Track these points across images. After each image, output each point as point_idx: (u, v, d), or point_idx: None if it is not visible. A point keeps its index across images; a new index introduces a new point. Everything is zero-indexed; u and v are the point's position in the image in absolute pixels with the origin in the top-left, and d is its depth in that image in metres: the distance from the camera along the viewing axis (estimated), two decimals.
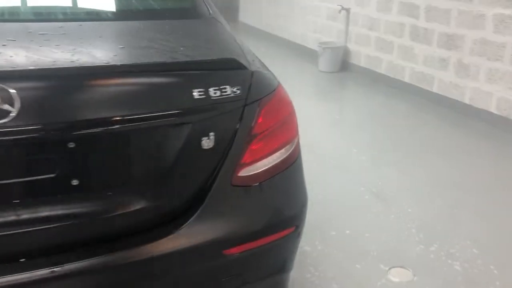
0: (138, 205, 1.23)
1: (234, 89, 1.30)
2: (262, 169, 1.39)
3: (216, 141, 1.28)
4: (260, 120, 1.37)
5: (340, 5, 5.94)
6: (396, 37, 5.23)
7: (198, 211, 1.28)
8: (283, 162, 1.45)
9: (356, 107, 4.80)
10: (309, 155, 3.42)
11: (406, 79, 5.16)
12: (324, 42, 6.16)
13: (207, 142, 1.27)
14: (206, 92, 1.25)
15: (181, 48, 1.39)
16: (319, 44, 6.05)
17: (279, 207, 1.45)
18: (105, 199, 1.21)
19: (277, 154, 1.44)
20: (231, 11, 9.58)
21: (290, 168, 1.48)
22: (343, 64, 6.04)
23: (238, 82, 1.32)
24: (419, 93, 4.95)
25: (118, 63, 1.19)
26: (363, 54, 5.82)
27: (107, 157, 1.19)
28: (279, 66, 6.26)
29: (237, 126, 1.32)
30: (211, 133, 1.27)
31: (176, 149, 1.24)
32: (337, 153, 3.58)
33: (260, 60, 1.57)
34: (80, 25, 1.44)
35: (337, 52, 5.96)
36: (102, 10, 1.58)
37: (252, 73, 1.38)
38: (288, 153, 1.47)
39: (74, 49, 1.24)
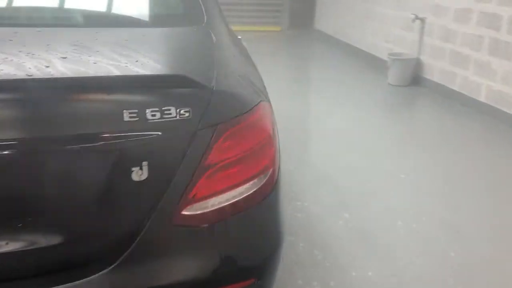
0: (51, 242, 1.07)
1: (182, 111, 1.10)
2: (217, 207, 1.17)
3: (152, 172, 1.09)
4: (218, 147, 1.16)
5: (414, 14, 5.47)
6: (473, 51, 4.68)
7: (125, 254, 1.09)
8: (247, 199, 1.22)
9: (424, 126, 4.34)
10: (367, 174, 3.16)
11: (482, 98, 4.59)
12: (394, 53, 5.72)
13: (138, 173, 1.07)
14: (141, 114, 1.06)
15: (135, 61, 1.21)
16: (389, 55, 5.63)
17: (234, 254, 1.21)
18: (14, 232, 1.06)
19: (240, 189, 1.21)
20: (307, 19, 9.35)
21: (258, 206, 1.24)
22: (414, 78, 5.56)
23: (189, 103, 1.11)
24: (496, 115, 4.38)
25: (38, 75, 1.03)
26: (436, 68, 5.30)
27: (13, 183, 1.04)
28: (347, 76, 5.93)
29: (183, 155, 1.11)
30: (144, 163, 1.08)
31: (99, 179, 1.06)
32: (396, 176, 3.22)
33: (252, 81, 1.34)
34: (39, 31, 1.32)
35: (408, 65, 5.50)
36: (69, 15, 1.46)
37: (212, 92, 1.16)
38: (255, 189, 1.23)
39: (6, 58, 1.11)
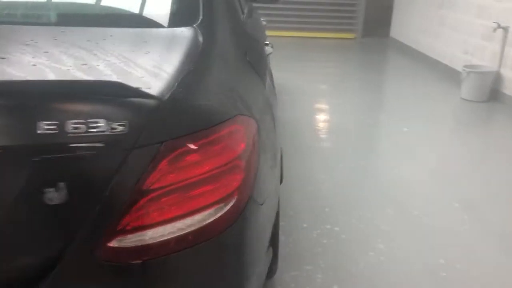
0: None
1: (114, 125, 0.92)
2: (157, 240, 0.98)
3: (70, 195, 0.92)
4: (161, 169, 0.97)
5: (497, 23, 4.92)
6: None
7: None
8: (197, 233, 1.01)
9: (501, 150, 3.84)
10: (429, 207, 2.82)
11: None
12: (470, 65, 5.18)
13: (52, 196, 0.91)
14: (61, 126, 0.89)
15: (82, 65, 1.05)
16: (464, 67, 5.10)
17: None
18: None
19: (189, 220, 1.01)
20: (383, 26, 8.88)
21: (213, 242, 1.04)
22: (493, 93, 4.99)
23: (125, 116, 0.93)
24: None
25: None
26: None
27: None
28: (418, 88, 5.47)
29: (113, 176, 0.93)
30: (61, 184, 0.91)
31: (6, 199, 0.91)
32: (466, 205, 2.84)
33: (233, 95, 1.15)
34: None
35: (485, 78, 4.94)
36: (39, 12, 1.34)
37: (161, 104, 0.97)
38: (209, 220, 1.02)
39: None
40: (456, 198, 2.89)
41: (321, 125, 4.21)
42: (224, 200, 1.04)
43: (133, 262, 0.96)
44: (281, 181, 1.88)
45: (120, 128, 0.92)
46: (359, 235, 2.46)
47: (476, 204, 2.83)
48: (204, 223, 1.02)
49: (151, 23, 1.35)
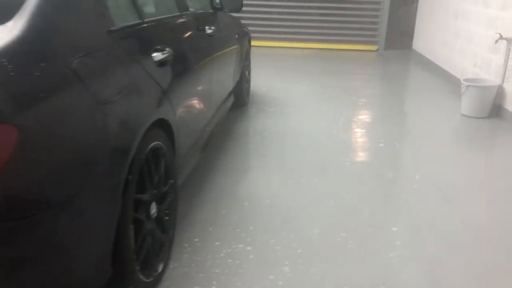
0: None
1: None
2: None
3: None
4: None
5: (499, 33, 4.55)
6: None
7: None
8: None
9: (503, 171, 3.51)
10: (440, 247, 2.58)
11: None
12: (470, 79, 4.83)
13: None
14: None
15: None
16: (463, 80, 4.76)
17: None
18: None
19: None
20: (406, 38, 8.54)
21: None
22: (495, 109, 4.61)
23: None
24: None
25: None
26: None
27: None
28: (423, 103, 5.15)
29: None
30: None
31: None
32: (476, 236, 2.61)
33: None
34: None
35: (486, 93, 4.58)
36: None
37: None
38: None
39: None
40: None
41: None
42: None
43: None
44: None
45: None
46: None
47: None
48: None
49: None
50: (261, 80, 5.87)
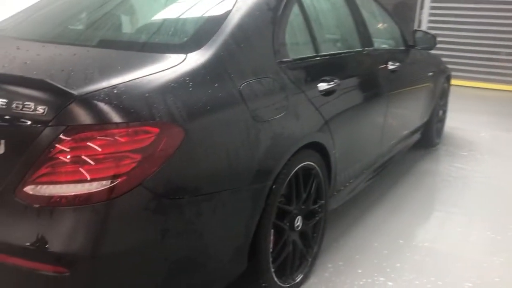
0: None
1: (39, 108, 1.40)
2: (48, 194, 1.40)
3: (7, 148, 1.42)
4: (63, 144, 1.39)
5: None
6: None
7: None
8: (83, 197, 1.38)
9: None
10: None
11: None
12: None
13: None
14: (9, 103, 1.41)
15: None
16: None
17: (48, 237, 1.39)
18: None
19: (79, 186, 1.39)
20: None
21: (91, 209, 1.39)
22: None
23: (46, 103, 1.40)
24: None
25: None
26: None
27: None
28: None
29: (32, 142, 1.40)
30: (2, 140, 1.42)
31: None
32: None
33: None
34: None
35: None
36: None
37: (74, 99, 1.40)
38: (94, 190, 1.38)
39: None
40: None
41: None
42: (108, 178, 1.38)
43: (33, 205, 1.40)
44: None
45: (41, 111, 1.40)
46: None
47: None
48: (88, 191, 1.38)
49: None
50: (460, 121, 5.53)
